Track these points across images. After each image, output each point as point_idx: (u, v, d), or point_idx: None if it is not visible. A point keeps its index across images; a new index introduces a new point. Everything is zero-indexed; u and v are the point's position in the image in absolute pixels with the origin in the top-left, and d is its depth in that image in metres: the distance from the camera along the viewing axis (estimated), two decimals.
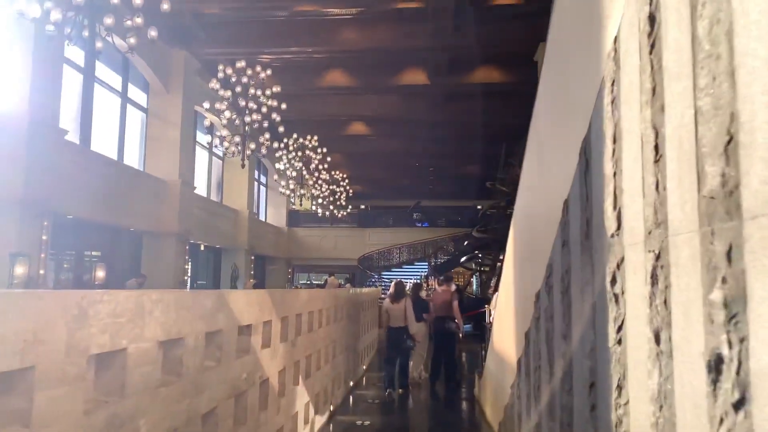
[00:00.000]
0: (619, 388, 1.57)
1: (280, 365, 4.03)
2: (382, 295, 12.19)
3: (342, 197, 20.58)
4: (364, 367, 9.75)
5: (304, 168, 16.68)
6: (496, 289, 7.95)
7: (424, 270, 23.40)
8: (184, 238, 13.67)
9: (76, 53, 10.21)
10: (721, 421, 0.97)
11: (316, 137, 16.03)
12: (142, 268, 12.63)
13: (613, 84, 1.66)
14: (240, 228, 18.59)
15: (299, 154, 15.96)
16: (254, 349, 3.43)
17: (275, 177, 18.00)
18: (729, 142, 0.96)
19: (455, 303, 8.64)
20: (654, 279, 1.30)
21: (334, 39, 12.78)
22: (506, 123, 15.82)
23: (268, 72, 11.07)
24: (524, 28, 11.31)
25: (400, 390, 8.09)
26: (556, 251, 2.48)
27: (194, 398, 2.50)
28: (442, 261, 23.38)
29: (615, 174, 1.62)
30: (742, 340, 0.91)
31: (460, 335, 9.12)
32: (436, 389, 8.39)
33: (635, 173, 1.44)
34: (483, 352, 8.31)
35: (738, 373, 0.92)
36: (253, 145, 11.66)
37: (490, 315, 8.83)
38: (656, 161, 1.29)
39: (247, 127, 11.32)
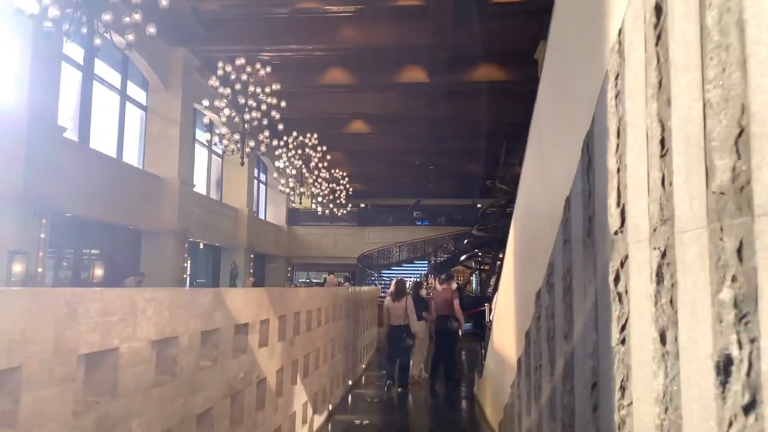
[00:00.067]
0: (623, 388, 1.54)
1: (278, 364, 4.00)
2: (382, 294, 12.17)
3: (342, 195, 20.56)
4: (363, 366, 9.73)
5: (303, 166, 16.65)
6: (495, 289, 7.92)
7: (423, 268, 23.41)
8: (183, 236, 13.65)
9: (74, 50, 10.18)
10: (731, 424, 0.94)
11: (315, 135, 16.01)
12: (141, 267, 12.64)
13: (617, 78, 1.63)
14: (239, 226, 18.57)
15: (299, 152, 15.93)
16: (252, 348, 3.40)
17: (275, 175, 17.99)
18: (740, 134, 0.93)
19: (456, 302, 8.60)
20: (659, 277, 1.26)
21: (334, 36, 12.76)
22: (506, 121, 15.83)
23: (268, 69, 11.04)
24: (524, 25, 11.30)
25: (400, 389, 8.08)
26: (558, 249, 2.46)
27: (189, 398, 2.47)
28: (442, 259, 23.39)
29: (619, 170, 1.59)
30: (752, 341, 0.89)
31: (460, 334, 9.08)
32: (436, 388, 8.37)
33: (640, 169, 1.41)
34: (483, 351, 8.27)
35: (748, 374, 0.90)
36: (252, 143, 11.63)
37: (490, 313, 8.79)
38: (662, 156, 1.26)
39: (246, 125, 11.29)
